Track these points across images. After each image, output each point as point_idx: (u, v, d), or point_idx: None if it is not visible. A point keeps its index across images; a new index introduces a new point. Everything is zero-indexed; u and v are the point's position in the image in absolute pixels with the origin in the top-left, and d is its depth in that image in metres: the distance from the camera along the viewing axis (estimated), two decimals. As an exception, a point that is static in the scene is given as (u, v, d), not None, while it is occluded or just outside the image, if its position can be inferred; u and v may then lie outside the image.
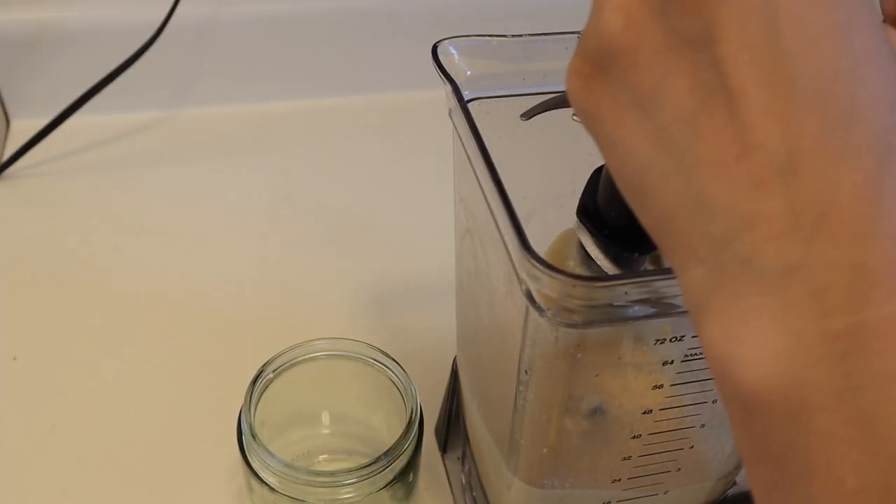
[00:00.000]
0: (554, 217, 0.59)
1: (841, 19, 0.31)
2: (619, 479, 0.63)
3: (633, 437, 0.60)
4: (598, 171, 0.54)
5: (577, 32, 0.59)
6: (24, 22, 1.12)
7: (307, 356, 0.73)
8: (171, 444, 0.83)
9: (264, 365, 0.71)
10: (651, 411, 0.58)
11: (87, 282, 0.98)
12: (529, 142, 0.60)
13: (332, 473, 0.66)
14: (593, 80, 0.36)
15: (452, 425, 0.81)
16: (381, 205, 1.11)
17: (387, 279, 1.00)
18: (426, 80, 0.63)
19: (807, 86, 0.31)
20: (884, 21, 0.40)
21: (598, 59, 0.36)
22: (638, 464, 0.62)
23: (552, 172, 0.58)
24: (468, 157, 0.56)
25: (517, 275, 0.49)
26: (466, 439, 0.77)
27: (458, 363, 0.77)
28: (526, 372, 0.54)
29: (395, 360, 0.73)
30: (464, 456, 0.79)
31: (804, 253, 0.31)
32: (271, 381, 0.71)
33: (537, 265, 0.44)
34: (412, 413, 0.69)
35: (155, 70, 1.14)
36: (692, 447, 0.62)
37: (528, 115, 0.57)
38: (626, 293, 0.46)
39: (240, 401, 0.69)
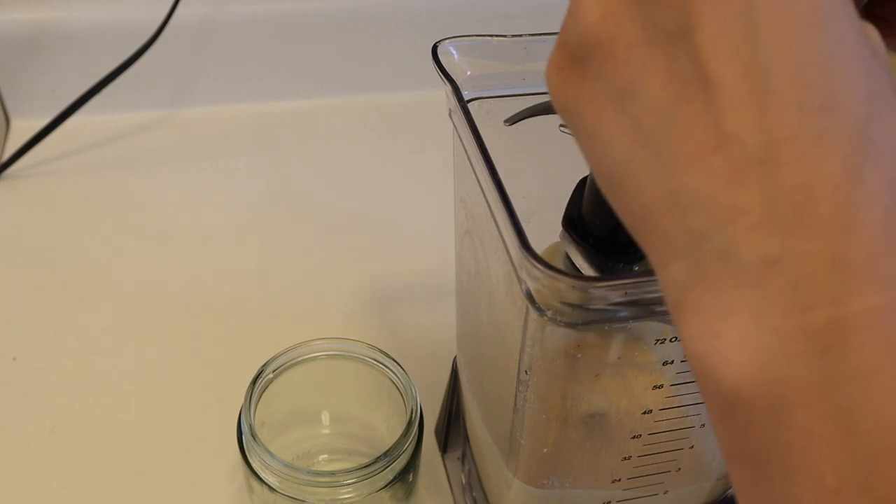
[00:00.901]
0: (554, 217, 0.59)
1: (818, 9, 0.31)
2: (619, 480, 0.63)
3: (633, 437, 0.60)
4: (583, 181, 0.54)
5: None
6: (24, 22, 1.12)
7: (307, 356, 0.73)
8: (171, 444, 0.83)
9: (264, 365, 0.71)
10: (651, 411, 0.58)
11: (87, 282, 0.98)
12: (529, 142, 0.60)
13: (332, 473, 0.66)
14: (571, 73, 0.36)
15: (452, 425, 0.81)
16: (381, 205, 1.11)
17: (387, 279, 1.00)
18: (426, 80, 0.63)
19: (784, 75, 0.31)
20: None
21: (575, 52, 0.36)
22: (638, 464, 0.62)
23: (552, 172, 0.58)
24: (468, 157, 0.56)
25: (517, 275, 0.49)
26: (466, 439, 0.77)
27: (458, 363, 0.77)
28: (526, 372, 0.54)
29: (395, 360, 0.73)
30: (464, 456, 0.79)
31: (782, 245, 0.31)
32: (271, 381, 0.72)
33: (537, 265, 0.44)
34: (412, 413, 0.69)
35: (155, 70, 1.15)
36: (692, 447, 0.62)
37: (513, 120, 0.57)
38: (625, 293, 0.46)
39: (240, 401, 0.69)
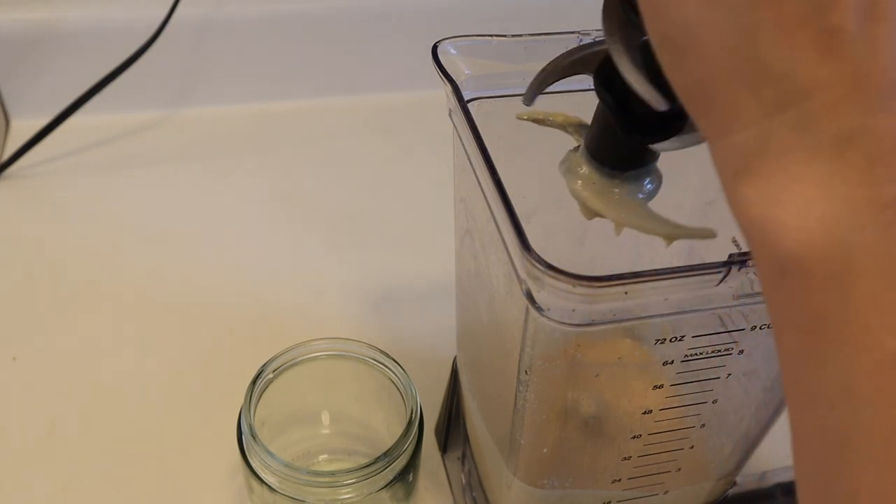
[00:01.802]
0: (554, 217, 0.59)
1: None
2: (620, 480, 0.63)
3: (633, 438, 0.60)
4: None
5: (577, 32, 0.59)
6: (24, 22, 1.12)
7: (307, 356, 0.73)
8: (171, 444, 0.83)
9: (264, 365, 0.71)
10: (651, 411, 0.58)
11: (87, 282, 0.98)
12: (529, 142, 0.60)
13: (331, 473, 0.66)
14: None
15: (452, 425, 0.81)
16: (381, 205, 1.11)
17: (387, 279, 1.00)
18: (426, 80, 0.63)
19: None
20: None
21: None
22: (638, 464, 0.62)
23: (552, 172, 0.58)
24: (468, 157, 0.56)
25: (517, 275, 0.49)
26: (466, 439, 0.77)
27: (458, 363, 0.77)
28: (526, 372, 0.54)
29: (394, 360, 0.73)
30: (464, 456, 0.79)
31: (861, 122, 0.31)
32: (271, 381, 0.71)
33: (537, 265, 0.44)
34: (412, 413, 0.69)
35: (155, 70, 1.15)
36: (692, 447, 0.62)
37: (529, 97, 0.56)
38: (625, 293, 0.46)
39: (240, 401, 0.69)
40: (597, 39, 0.55)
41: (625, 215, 0.53)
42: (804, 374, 0.35)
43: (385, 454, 0.67)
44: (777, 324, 0.35)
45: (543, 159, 0.57)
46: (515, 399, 0.57)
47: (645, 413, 0.58)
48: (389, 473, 0.68)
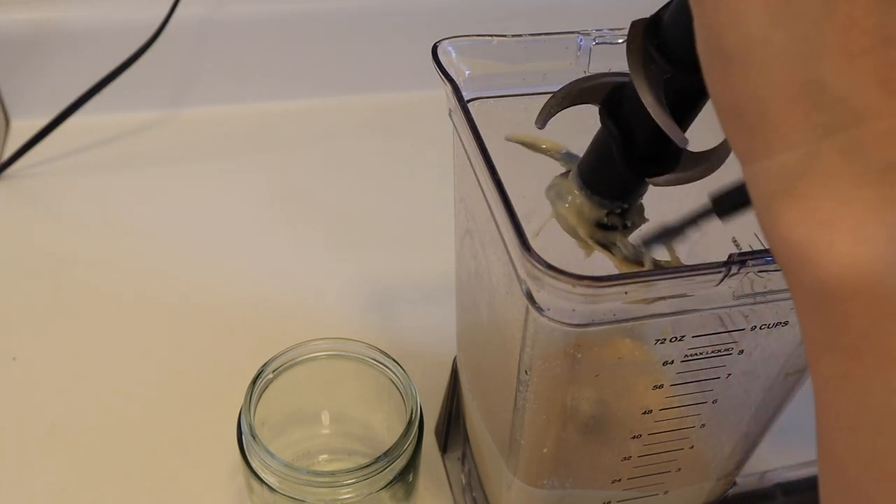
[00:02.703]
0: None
1: None
2: (619, 480, 0.63)
3: (633, 438, 0.60)
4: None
5: (577, 32, 0.59)
6: (24, 22, 1.12)
7: (307, 356, 0.73)
8: (171, 444, 0.83)
9: (264, 365, 0.71)
10: (651, 411, 0.57)
11: (87, 282, 0.98)
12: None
13: (331, 473, 0.66)
14: None
15: (452, 425, 0.81)
16: (381, 205, 1.11)
17: (387, 279, 1.00)
18: (426, 80, 0.63)
19: None
20: None
21: None
22: (638, 464, 0.62)
23: (552, 172, 0.58)
24: (468, 157, 0.56)
25: (517, 275, 0.49)
26: (466, 439, 0.77)
27: (458, 363, 0.77)
28: (526, 372, 0.54)
29: (394, 360, 0.73)
30: (464, 456, 0.79)
31: None
32: (271, 381, 0.71)
33: (537, 265, 0.44)
34: (412, 413, 0.69)
35: (155, 70, 1.15)
36: (692, 447, 0.62)
37: (543, 119, 0.56)
38: (625, 293, 0.46)
39: (240, 401, 0.69)
40: (606, 72, 0.55)
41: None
42: (843, 398, 0.34)
43: (385, 454, 0.67)
44: (814, 347, 0.35)
45: (543, 160, 0.58)
46: (515, 399, 0.57)
47: (645, 413, 0.57)
48: (389, 473, 0.68)
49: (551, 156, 0.58)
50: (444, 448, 0.83)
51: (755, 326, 0.54)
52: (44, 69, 1.14)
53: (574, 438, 0.60)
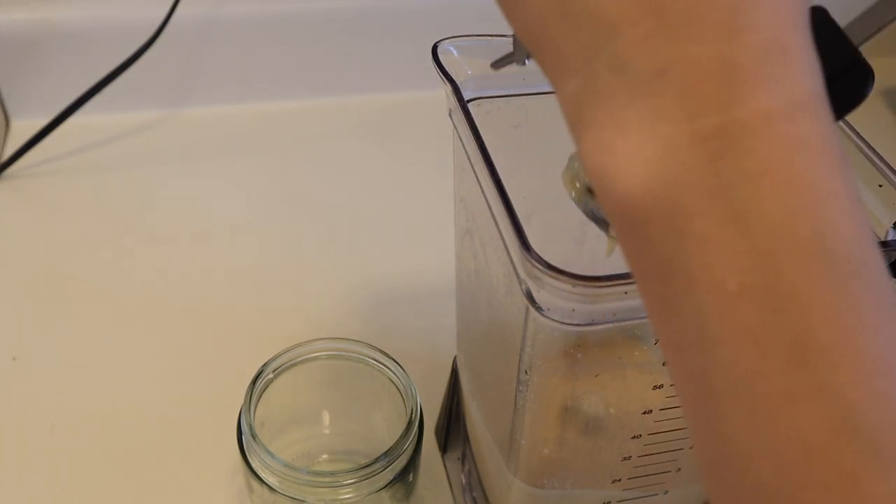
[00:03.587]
0: (554, 217, 0.59)
1: None
2: (620, 480, 0.63)
3: (634, 438, 0.60)
4: None
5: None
6: (24, 22, 1.12)
7: (307, 356, 0.73)
8: (171, 444, 0.83)
9: (264, 365, 0.71)
10: (651, 411, 0.57)
11: (87, 281, 0.98)
12: (529, 142, 0.60)
13: (332, 473, 0.66)
14: None
15: (452, 425, 0.81)
16: (382, 205, 1.11)
17: (387, 279, 1.00)
18: (426, 80, 0.63)
19: None
20: None
21: None
22: (638, 464, 0.62)
23: (552, 172, 0.58)
24: (468, 157, 0.56)
25: (517, 275, 0.49)
26: (466, 439, 0.77)
27: (458, 363, 0.77)
28: (526, 372, 0.54)
29: (394, 360, 0.73)
30: (464, 456, 0.79)
31: (672, 54, 0.31)
32: (271, 381, 0.71)
33: (537, 265, 0.44)
34: (412, 413, 0.69)
35: (155, 70, 1.15)
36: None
37: (498, 65, 0.56)
38: (625, 293, 0.46)
39: (240, 401, 0.69)
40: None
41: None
42: (664, 323, 0.34)
43: (385, 454, 0.67)
44: (635, 277, 0.35)
45: (543, 159, 0.57)
46: (515, 399, 0.57)
47: (645, 413, 0.57)
48: (389, 473, 0.68)
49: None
50: (444, 448, 0.83)
51: None
52: (44, 69, 1.14)
53: (574, 438, 0.60)
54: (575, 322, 0.48)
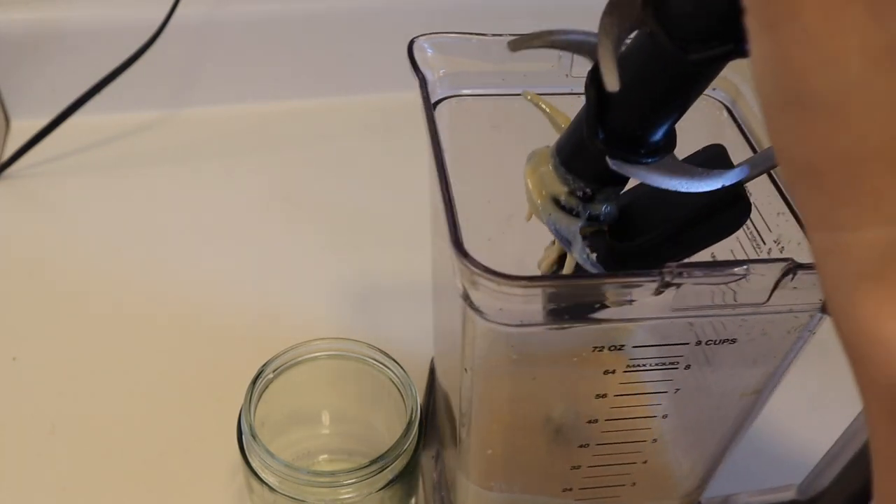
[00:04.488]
0: (534, 219, 0.59)
1: None
2: (571, 489, 0.63)
3: (581, 446, 0.59)
4: None
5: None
6: (24, 22, 1.12)
7: (307, 356, 0.73)
8: (172, 444, 0.83)
9: (264, 365, 0.71)
10: (597, 420, 0.57)
11: (87, 281, 0.98)
12: (509, 142, 0.59)
13: (332, 473, 0.66)
14: None
15: (429, 424, 0.81)
16: (382, 205, 1.11)
17: (388, 278, 1.00)
18: (426, 80, 0.63)
19: None
20: None
21: None
22: (588, 474, 0.62)
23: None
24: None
25: (456, 273, 0.48)
26: (440, 438, 0.77)
27: (434, 363, 0.77)
28: (466, 370, 0.54)
29: (394, 360, 0.73)
30: (437, 455, 0.78)
31: None
32: (271, 380, 0.71)
33: (467, 263, 0.44)
34: (412, 413, 0.69)
35: (155, 70, 1.15)
36: (645, 462, 0.62)
37: (516, 46, 0.55)
38: (558, 294, 0.45)
39: (240, 401, 0.69)
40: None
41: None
42: None
43: (385, 454, 0.67)
44: (884, 462, 0.31)
45: (525, 160, 0.57)
46: (460, 398, 0.56)
47: (591, 422, 0.57)
48: (389, 473, 0.68)
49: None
50: (422, 446, 0.83)
51: (700, 342, 0.53)
52: (44, 69, 1.14)
53: (519, 441, 0.60)
54: (505, 322, 0.48)
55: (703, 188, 0.48)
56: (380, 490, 0.68)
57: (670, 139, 0.48)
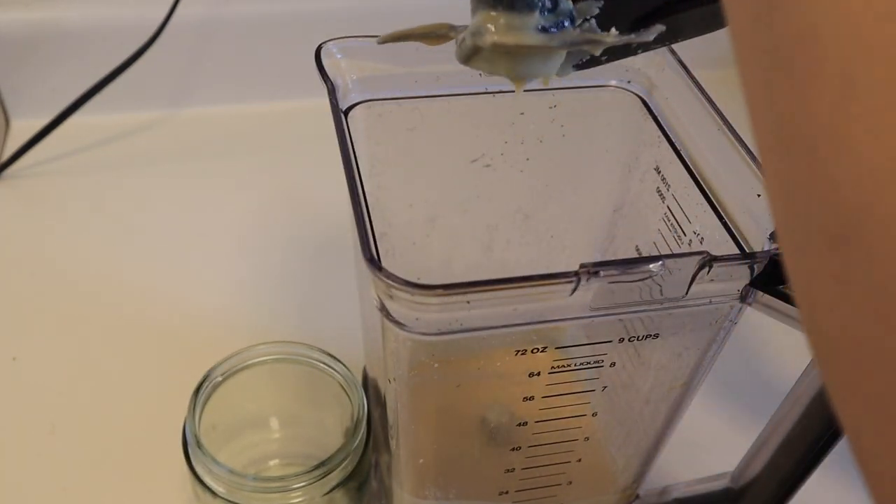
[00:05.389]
0: (458, 221, 0.58)
1: None
2: (507, 492, 0.62)
3: (513, 450, 0.58)
4: None
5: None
6: (24, 22, 1.12)
7: (252, 361, 0.72)
8: (172, 444, 0.82)
9: (209, 371, 0.71)
10: (527, 423, 0.56)
11: (87, 282, 0.98)
12: (427, 144, 0.59)
13: (279, 479, 0.66)
14: None
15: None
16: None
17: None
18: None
19: None
20: None
21: None
22: (523, 476, 0.61)
23: (455, 176, 0.57)
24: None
25: (371, 285, 0.48)
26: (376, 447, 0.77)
27: (366, 371, 0.77)
28: (390, 381, 0.53)
29: (340, 361, 0.72)
30: (376, 464, 0.78)
31: None
32: (219, 384, 0.71)
33: (379, 275, 0.44)
34: (359, 413, 0.68)
35: (155, 70, 1.15)
36: (580, 460, 0.61)
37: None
38: (468, 302, 0.44)
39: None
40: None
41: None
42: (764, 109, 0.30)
43: (331, 457, 0.66)
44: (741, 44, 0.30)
45: (443, 162, 0.56)
46: (387, 409, 0.56)
47: (521, 425, 0.56)
48: (339, 475, 0.67)
49: (434, 36, 0.54)
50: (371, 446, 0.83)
51: (623, 339, 0.52)
52: (44, 69, 1.15)
53: (450, 449, 0.60)
54: (422, 331, 0.47)
55: None
56: (329, 492, 0.67)
57: None
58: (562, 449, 0.60)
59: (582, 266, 0.45)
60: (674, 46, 0.58)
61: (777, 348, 0.93)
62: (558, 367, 0.54)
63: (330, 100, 0.55)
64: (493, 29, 0.47)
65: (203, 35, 1.17)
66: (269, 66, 1.22)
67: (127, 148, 1.16)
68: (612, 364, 0.55)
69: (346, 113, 0.58)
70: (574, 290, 0.46)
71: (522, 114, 0.62)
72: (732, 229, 0.54)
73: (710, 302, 0.51)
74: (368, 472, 0.72)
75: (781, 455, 0.61)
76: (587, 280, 0.45)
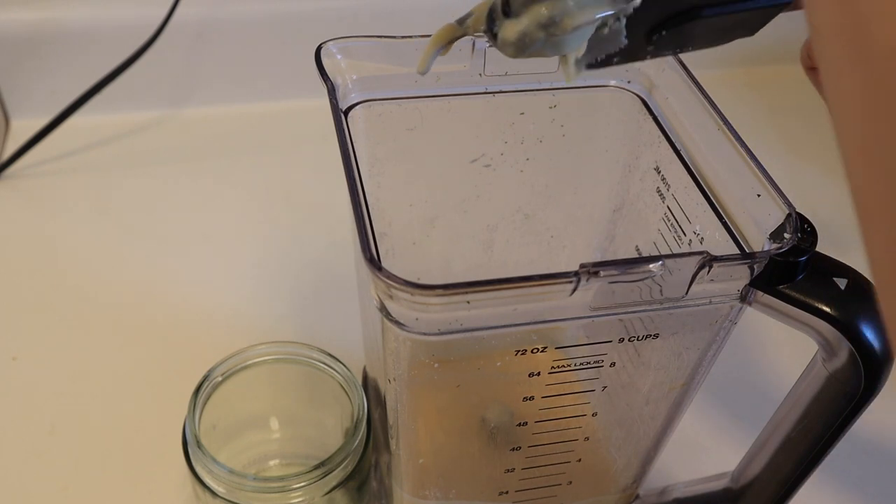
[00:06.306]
0: (458, 221, 0.58)
1: None
2: (507, 492, 0.62)
3: (513, 449, 0.58)
4: None
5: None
6: (24, 22, 1.12)
7: (252, 361, 0.72)
8: (172, 444, 0.82)
9: (209, 371, 0.71)
10: (527, 423, 0.56)
11: (87, 281, 0.98)
12: (428, 145, 0.59)
13: (279, 479, 0.66)
14: None
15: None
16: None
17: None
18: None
19: None
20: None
21: None
22: (523, 476, 0.61)
23: (455, 176, 0.57)
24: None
25: (371, 285, 0.48)
26: (377, 448, 0.77)
27: (366, 371, 0.77)
28: (390, 381, 0.53)
29: (340, 361, 0.72)
30: (377, 464, 0.78)
31: None
32: (220, 383, 0.71)
33: (380, 276, 0.44)
34: (359, 412, 0.68)
35: (155, 70, 1.15)
36: (580, 460, 0.61)
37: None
38: (468, 302, 0.44)
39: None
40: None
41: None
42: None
43: (331, 457, 0.66)
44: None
45: (444, 162, 0.56)
46: (388, 409, 0.56)
47: (521, 425, 0.56)
48: (340, 475, 0.67)
49: (452, 42, 0.53)
50: (371, 446, 0.83)
51: (623, 339, 0.52)
52: (44, 69, 1.15)
53: (450, 449, 0.60)
54: (422, 331, 0.47)
55: None
56: (329, 492, 0.67)
57: None
58: (562, 449, 0.60)
59: (582, 266, 0.45)
60: (674, 46, 0.58)
61: (777, 348, 0.93)
62: (558, 367, 0.54)
63: (330, 100, 0.55)
64: (571, 9, 0.45)
65: (203, 35, 1.17)
66: (269, 66, 1.22)
67: (127, 148, 1.16)
68: (612, 364, 0.55)
69: (346, 113, 0.58)
70: (574, 290, 0.46)
71: (522, 114, 0.62)
72: (732, 229, 0.54)
73: (710, 302, 0.51)
74: (368, 472, 0.72)
75: (781, 455, 0.61)
76: (587, 280, 0.45)
